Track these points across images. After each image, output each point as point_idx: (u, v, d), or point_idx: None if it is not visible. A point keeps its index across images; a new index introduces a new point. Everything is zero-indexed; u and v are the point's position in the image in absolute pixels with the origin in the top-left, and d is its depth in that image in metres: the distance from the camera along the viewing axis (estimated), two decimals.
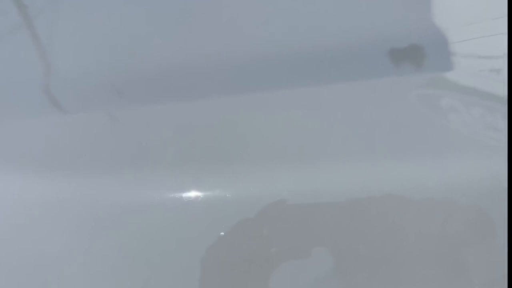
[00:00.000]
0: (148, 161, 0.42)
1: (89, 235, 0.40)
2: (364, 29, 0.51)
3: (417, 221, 0.42)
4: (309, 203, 0.41)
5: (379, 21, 0.52)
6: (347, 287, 0.42)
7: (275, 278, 0.42)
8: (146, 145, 0.43)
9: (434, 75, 0.49)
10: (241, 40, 0.51)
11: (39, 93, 0.47)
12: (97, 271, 0.40)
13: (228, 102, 0.45)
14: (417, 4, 0.54)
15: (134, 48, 0.51)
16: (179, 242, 0.41)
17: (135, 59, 0.50)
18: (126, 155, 0.42)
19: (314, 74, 0.48)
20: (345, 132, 0.44)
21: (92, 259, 0.41)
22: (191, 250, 0.41)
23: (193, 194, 0.41)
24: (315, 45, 0.50)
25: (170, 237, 0.41)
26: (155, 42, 0.51)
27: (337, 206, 0.41)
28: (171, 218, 0.41)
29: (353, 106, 0.46)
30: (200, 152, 0.43)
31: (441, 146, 0.45)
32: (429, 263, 0.42)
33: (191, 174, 0.41)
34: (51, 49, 0.51)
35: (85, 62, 0.50)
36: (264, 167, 0.42)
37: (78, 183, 0.40)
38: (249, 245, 0.42)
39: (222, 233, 0.41)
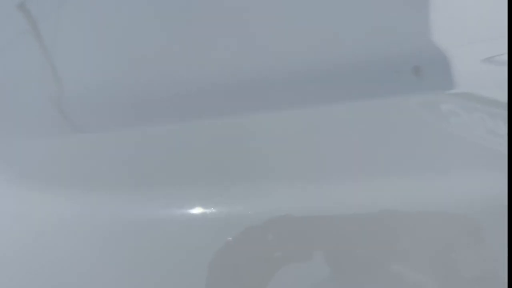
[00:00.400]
0: (158, 178, 0.44)
1: (103, 249, 0.43)
2: (365, 50, 0.52)
3: (412, 231, 0.44)
4: (313, 215, 0.43)
5: (380, 42, 0.53)
6: None
7: (278, 279, 0.44)
8: (156, 163, 0.45)
9: (436, 91, 0.50)
10: (247, 62, 0.52)
11: (52, 112, 0.48)
12: (110, 281, 0.42)
13: (236, 123, 0.47)
14: (419, 25, 0.55)
15: (143, 69, 0.52)
16: (188, 250, 0.43)
17: (145, 80, 0.52)
18: (138, 173, 0.44)
19: (317, 94, 0.49)
20: (346, 151, 0.46)
21: (106, 271, 0.43)
22: (199, 256, 0.43)
23: (200, 210, 0.43)
24: (317, 66, 0.51)
25: (179, 246, 0.43)
26: (165, 63, 0.53)
27: (338, 217, 0.43)
28: (180, 230, 0.43)
29: (353, 125, 0.48)
30: (208, 170, 0.45)
31: (440, 161, 0.46)
32: (423, 267, 0.44)
33: (198, 191, 0.43)
34: (63, 68, 0.53)
35: (97, 83, 0.52)
36: (270, 184, 0.44)
37: (92, 200, 0.42)
38: (255, 249, 0.44)
39: (230, 238, 0.43)
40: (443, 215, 0.44)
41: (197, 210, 0.43)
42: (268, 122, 0.47)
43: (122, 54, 0.53)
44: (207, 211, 0.43)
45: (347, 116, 0.48)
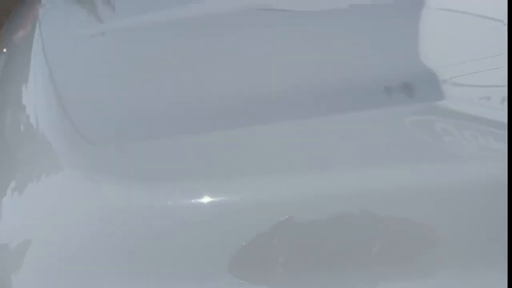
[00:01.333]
0: (171, 174, 0.48)
1: (126, 235, 0.46)
2: (363, 68, 0.59)
3: (388, 231, 0.47)
4: (311, 218, 0.46)
5: (376, 61, 0.60)
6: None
7: (280, 280, 0.45)
8: (169, 163, 0.49)
9: (426, 104, 0.55)
10: (255, 80, 0.58)
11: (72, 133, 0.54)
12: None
13: (243, 132, 0.52)
14: (411, 47, 0.62)
15: (155, 87, 0.59)
16: (196, 235, 0.45)
17: (157, 97, 0.57)
18: (154, 170, 0.49)
19: (316, 108, 0.54)
20: (344, 155, 0.50)
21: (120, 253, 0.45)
22: (207, 239, 0.45)
23: (207, 199, 0.46)
24: (319, 82, 0.57)
25: (189, 241, 0.45)
26: (173, 80, 0.59)
27: (332, 218, 0.46)
28: (190, 218, 0.46)
29: (349, 133, 0.52)
30: (218, 166, 0.48)
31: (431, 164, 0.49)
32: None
33: (207, 186, 0.47)
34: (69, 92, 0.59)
35: (116, 108, 0.57)
36: (274, 179, 0.47)
37: (118, 191, 0.46)
38: (260, 252, 0.45)
39: (244, 243, 0.45)
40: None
41: (205, 199, 0.45)
42: (279, 130, 0.51)
43: (133, 83, 0.60)
44: (215, 199, 0.45)
45: (345, 126, 0.52)
